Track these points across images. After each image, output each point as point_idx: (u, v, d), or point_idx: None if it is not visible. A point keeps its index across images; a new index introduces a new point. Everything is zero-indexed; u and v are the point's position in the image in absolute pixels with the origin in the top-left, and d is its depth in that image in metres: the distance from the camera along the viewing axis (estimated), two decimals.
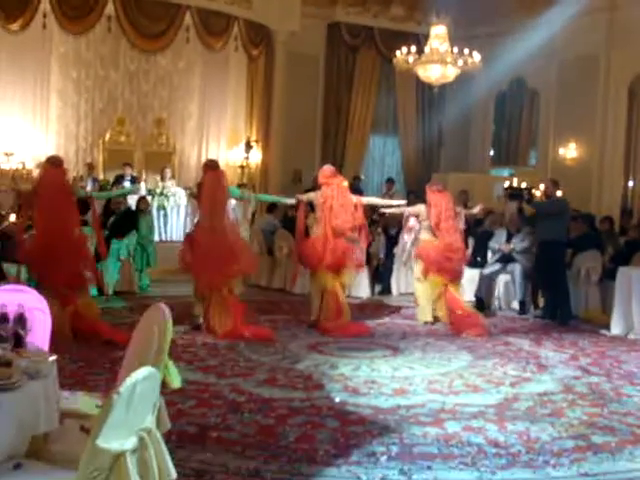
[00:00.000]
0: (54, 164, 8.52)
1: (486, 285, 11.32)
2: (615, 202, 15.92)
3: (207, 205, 8.77)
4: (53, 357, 3.62)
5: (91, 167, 14.97)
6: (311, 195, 9.68)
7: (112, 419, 2.69)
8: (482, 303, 11.19)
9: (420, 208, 10.06)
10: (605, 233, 11.95)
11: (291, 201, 10.13)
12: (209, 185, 8.81)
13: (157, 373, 3.02)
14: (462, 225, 10.58)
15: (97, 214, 9.54)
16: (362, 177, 16.50)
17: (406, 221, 10.32)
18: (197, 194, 9.18)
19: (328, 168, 9.64)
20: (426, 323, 9.85)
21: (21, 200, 8.69)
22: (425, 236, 9.90)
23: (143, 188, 14.51)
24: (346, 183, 9.63)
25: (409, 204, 12.60)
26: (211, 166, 9.14)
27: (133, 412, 2.81)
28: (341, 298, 9.26)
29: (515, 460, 4.94)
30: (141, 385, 2.80)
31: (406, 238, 10.84)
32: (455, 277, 9.81)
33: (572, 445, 5.26)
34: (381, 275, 12.59)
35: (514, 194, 12.15)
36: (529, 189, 12.97)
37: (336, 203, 9.20)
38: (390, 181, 16.14)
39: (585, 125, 15.89)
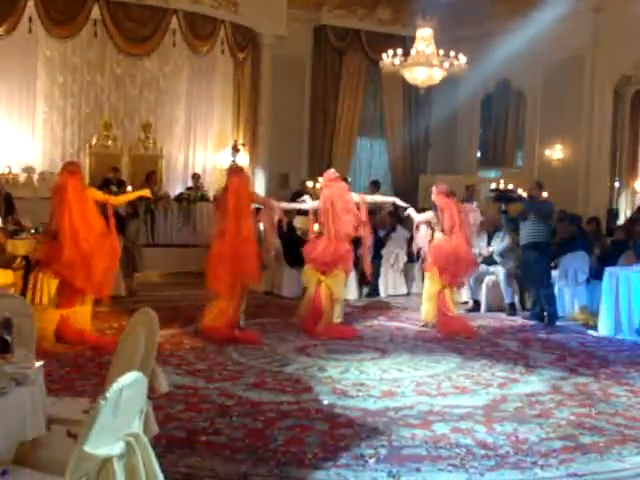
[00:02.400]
0: (71, 171, 8.51)
1: (477, 287, 11.40)
2: (601, 203, 15.99)
3: (231, 210, 8.71)
4: (40, 363, 3.61)
5: None
6: (315, 202, 9.70)
7: (99, 424, 2.68)
8: (479, 305, 11.32)
9: (430, 214, 10.09)
10: (592, 234, 12.00)
11: (306, 206, 10.04)
12: (234, 190, 8.84)
13: (144, 378, 3.01)
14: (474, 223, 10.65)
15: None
16: (349, 179, 16.46)
17: (417, 229, 10.35)
18: (219, 199, 9.14)
19: (332, 172, 9.75)
20: (425, 325, 9.90)
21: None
22: (440, 235, 9.94)
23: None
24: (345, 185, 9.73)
25: (395, 207, 12.59)
26: (236, 171, 9.31)
27: (120, 417, 2.81)
28: (324, 300, 9.27)
29: (503, 461, 4.96)
30: (128, 390, 2.79)
31: (419, 244, 10.77)
32: (453, 281, 9.85)
33: (560, 446, 5.28)
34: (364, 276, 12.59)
35: (499, 196, 12.18)
36: (514, 191, 13.02)
37: (337, 205, 9.26)
38: (374, 184, 15.93)
39: (571, 126, 15.96)
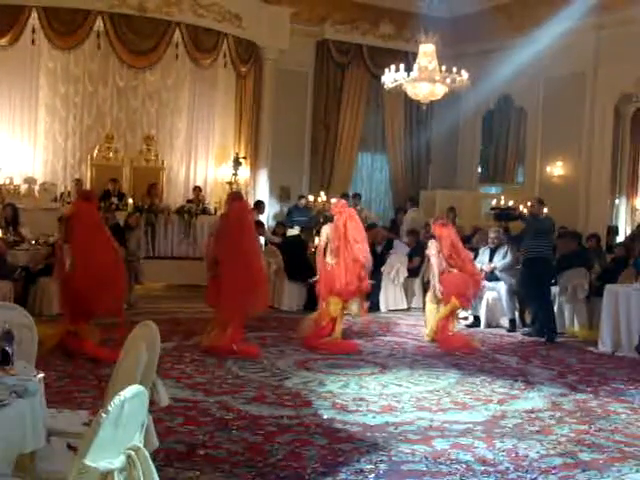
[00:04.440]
0: (87, 198, 8.66)
1: (477, 303, 11.42)
2: (601, 220, 15.98)
3: (235, 236, 8.68)
4: (40, 375, 3.60)
5: (79, 183, 14.87)
6: (324, 231, 9.67)
7: (100, 438, 2.67)
8: (479, 320, 11.36)
9: (433, 243, 10.22)
10: (592, 250, 12.01)
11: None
12: (236, 216, 8.83)
13: (145, 391, 3.00)
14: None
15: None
16: (350, 194, 16.49)
17: (428, 261, 10.56)
18: (220, 225, 9.12)
19: (340, 200, 10.14)
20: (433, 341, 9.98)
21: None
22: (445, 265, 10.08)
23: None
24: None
25: (398, 222, 12.70)
26: (236, 197, 9.34)
27: (121, 431, 2.80)
28: (339, 321, 9.38)
29: (503, 477, 4.95)
30: (129, 403, 2.78)
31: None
32: (468, 303, 10.13)
33: (560, 462, 5.28)
34: (369, 292, 12.55)
35: (500, 215, 12.17)
36: (514, 208, 13.05)
37: (351, 230, 9.30)
38: (356, 196, 16.33)
39: (572, 143, 15.98)
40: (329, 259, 9.39)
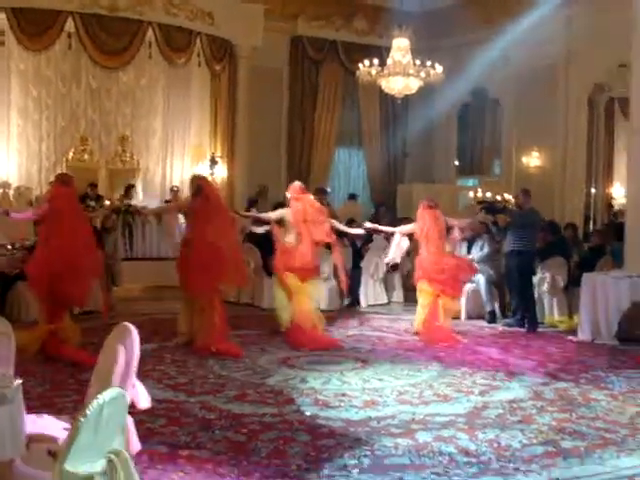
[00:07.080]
0: (65, 182, 8.58)
1: None
2: (577, 209, 16.09)
3: (208, 219, 8.71)
4: (18, 381, 3.56)
5: None
6: (280, 212, 9.76)
7: (80, 442, 2.66)
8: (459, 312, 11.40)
9: (414, 226, 10.19)
10: (569, 240, 12.08)
11: (266, 216, 10.13)
12: (211, 199, 8.87)
13: (125, 394, 2.99)
14: (458, 235, 10.63)
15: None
16: (328, 190, 16.49)
17: (400, 238, 10.39)
18: (190, 209, 9.07)
19: (297, 184, 9.78)
20: (416, 334, 9.93)
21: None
22: (423, 249, 10.04)
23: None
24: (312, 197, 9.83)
25: (378, 217, 12.69)
26: (201, 178, 9.45)
27: (101, 434, 2.78)
28: (308, 307, 9.31)
29: (486, 468, 4.97)
30: (108, 407, 2.77)
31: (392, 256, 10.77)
32: (447, 289, 9.86)
33: (542, 451, 5.31)
34: (349, 287, 12.56)
35: (489, 208, 12.19)
36: (500, 202, 13.13)
37: (309, 217, 9.33)
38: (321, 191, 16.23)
39: (547, 134, 16.06)
40: (290, 239, 9.42)
